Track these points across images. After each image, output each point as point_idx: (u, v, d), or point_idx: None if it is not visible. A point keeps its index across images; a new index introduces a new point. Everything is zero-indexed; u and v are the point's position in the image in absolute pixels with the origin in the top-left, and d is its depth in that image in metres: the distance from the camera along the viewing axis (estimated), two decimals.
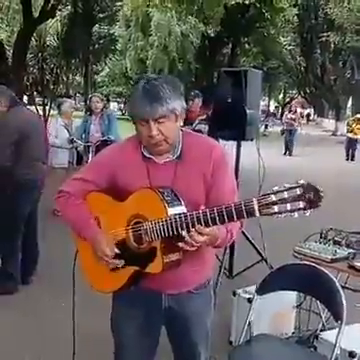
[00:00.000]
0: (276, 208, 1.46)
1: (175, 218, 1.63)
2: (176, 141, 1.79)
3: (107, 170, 1.85)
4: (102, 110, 6.59)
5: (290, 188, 1.46)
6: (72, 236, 1.95)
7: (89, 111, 6.79)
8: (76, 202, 1.88)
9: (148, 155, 1.80)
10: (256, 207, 1.49)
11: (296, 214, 1.46)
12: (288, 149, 16.44)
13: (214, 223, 1.58)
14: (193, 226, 1.59)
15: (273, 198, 1.47)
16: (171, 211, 1.66)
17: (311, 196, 1.44)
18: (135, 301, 1.90)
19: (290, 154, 16.27)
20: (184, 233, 1.60)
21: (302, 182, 1.45)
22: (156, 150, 1.77)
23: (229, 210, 1.54)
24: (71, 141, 6.64)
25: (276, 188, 1.48)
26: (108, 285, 1.87)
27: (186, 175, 1.77)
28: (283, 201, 1.46)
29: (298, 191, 1.44)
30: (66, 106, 6.78)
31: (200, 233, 1.59)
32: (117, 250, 1.78)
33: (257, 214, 1.50)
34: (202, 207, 1.61)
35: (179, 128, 1.79)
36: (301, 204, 1.44)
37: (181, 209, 1.68)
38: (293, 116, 16.83)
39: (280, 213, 1.47)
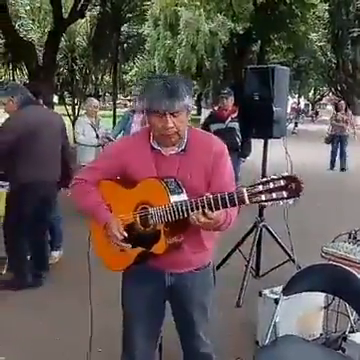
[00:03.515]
0: (263, 197, 1.65)
1: (176, 205, 1.83)
2: (184, 134, 1.97)
3: (118, 160, 2.03)
4: None
5: (275, 179, 1.64)
6: (86, 220, 2.11)
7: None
8: (90, 188, 2.07)
9: (156, 147, 1.99)
10: (246, 196, 1.67)
11: (281, 202, 1.64)
12: (334, 161, 11.97)
13: (210, 209, 1.76)
14: (192, 212, 1.78)
15: (260, 188, 1.65)
16: (173, 198, 1.86)
17: (293, 187, 1.61)
18: (141, 280, 2.09)
19: (343, 169, 11.79)
20: (191, 213, 1.78)
21: (286, 174, 1.64)
22: (167, 141, 1.94)
23: (223, 198, 1.73)
24: (108, 139, 6.65)
25: (264, 179, 1.66)
26: (118, 264, 2.07)
27: (189, 166, 1.97)
28: (269, 191, 1.64)
29: (282, 182, 1.62)
30: (87, 105, 6.88)
31: (203, 215, 1.77)
32: (126, 234, 1.96)
33: (247, 202, 1.68)
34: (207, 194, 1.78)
35: (187, 122, 1.97)
36: (284, 194, 1.62)
37: (183, 197, 1.88)
38: (345, 116, 11.93)
39: (266, 201, 1.65)
